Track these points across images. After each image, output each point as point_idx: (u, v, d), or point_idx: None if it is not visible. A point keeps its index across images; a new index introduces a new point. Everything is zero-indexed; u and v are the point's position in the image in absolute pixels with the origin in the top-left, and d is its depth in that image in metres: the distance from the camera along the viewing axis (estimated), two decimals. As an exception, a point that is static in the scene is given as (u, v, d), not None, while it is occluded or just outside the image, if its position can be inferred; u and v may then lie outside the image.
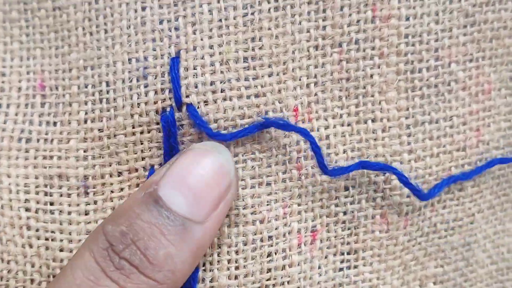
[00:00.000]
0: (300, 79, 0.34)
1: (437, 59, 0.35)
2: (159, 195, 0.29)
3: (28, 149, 0.34)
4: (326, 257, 0.36)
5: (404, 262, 0.37)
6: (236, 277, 0.34)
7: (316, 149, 0.33)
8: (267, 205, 0.34)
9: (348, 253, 0.36)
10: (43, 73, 0.35)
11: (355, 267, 0.36)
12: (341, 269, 0.36)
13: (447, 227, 0.38)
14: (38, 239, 0.34)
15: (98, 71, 0.34)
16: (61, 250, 0.34)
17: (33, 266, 0.33)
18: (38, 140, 0.34)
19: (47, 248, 0.33)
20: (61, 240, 0.34)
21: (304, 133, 0.33)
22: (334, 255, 0.36)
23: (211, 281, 0.34)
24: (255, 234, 0.34)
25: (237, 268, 0.34)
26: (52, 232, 0.34)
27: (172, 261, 0.29)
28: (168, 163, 0.31)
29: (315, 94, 0.35)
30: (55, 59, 0.35)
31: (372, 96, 0.35)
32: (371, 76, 0.35)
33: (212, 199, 0.30)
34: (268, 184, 0.35)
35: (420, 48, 0.35)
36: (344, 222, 0.35)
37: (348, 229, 0.36)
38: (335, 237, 0.36)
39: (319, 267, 0.35)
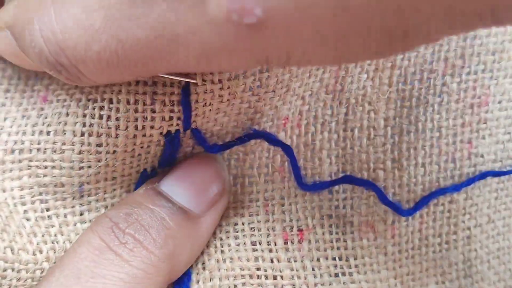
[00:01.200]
0: (297, 94, 0.35)
1: (431, 72, 0.35)
2: (160, 189, 0.31)
3: (21, 159, 0.34)
4: (318, 260, 0.36)
5: (399, 275, 0.37)
6: (224, 261, 0.35)
7: (294, 168, 0.35)
8: (249, 202, 0.36)
9: (340, 259, 0.36)
10: (48, 91, 0.35)
11: (350, 274, 0.36)
12: (336, 275, 0.36)
13: (441, 241, 0.37)
14: (46, 243, 0.33)
15: (102, 89, 0.32)
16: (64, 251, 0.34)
17: (42, 271, 0.33)
18: (31, 151, 0.33)
19: (54, 251, 0.34)
20: (64, 242, 0.34)
21: (287, 151, 0.35)
22: (326, 259, 0.36)
23: (202, 263, 0.35)
24: (236, 225, 0.35)
25: (222, 252, 0.35)
26: (55, 235, 0.34)
27: (173, 243, 0.30)
28: (168, 169, 0.33)
29: (308, 104, 0.36)
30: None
31: (362, 106, 0.36)
32: (363, 87, 0.35)
33: (211, 196, 0.33)
34: (250, 184, 0.36)
35: (414, 61, 0.35)
36: (330, 226, 0.36)
37: (336, 233, 0.36)
38: (323, 240, 0.36)
39: (313, 269, 0.35)
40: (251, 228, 0.36)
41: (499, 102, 0.37)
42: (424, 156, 0.36)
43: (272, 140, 0.35)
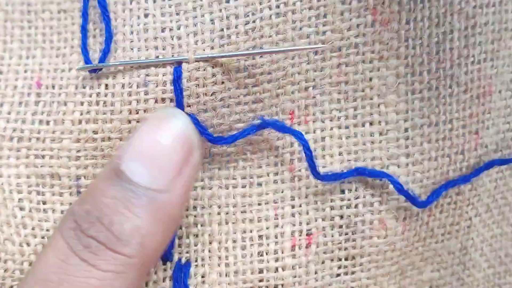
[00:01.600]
0: (298, 83, 0.34)
1: (438, 61, 0.35)
2: (121, 169, 0.29)
3: (19, 148, 0.34)
4: (323, 262, 0.35)
5: (401, 267, 0.37)
6: (226, 275, 0.34)
7: (307, 152, 0.33)
8: (258, 205, 0.34)
9: (346, 259, 0.35)
10: (41, 72, 0.34)
11: (353, 273, 0.35)
12: (338, 275, 0.35)
13: (444, 232, 0.37)
14: (35, 237, 0.33)
15: (98, 73, 0.33)
16: None
17: (30, 264, 0.33)
18: (30, 139, 0.34)
19: (43, 246, 0.33)
20: None
21: (298, 136, 0.33)
22: (332, 260, 0.35)
23: (202, 276, 0.34)
24: (244, 232, 0.34)
25: (227, 265, 0.34)
26: (47, 230, 0.33)
27: (139, 233, 0.29)
28: (130, 137, 0.31)
29: (313, 97, 0.34)
30: (55, 59, 0.35)
31: (371, 99, 0.35)
32: (370, 79, 0.34)
33: (174, 165, 0.30)
34: (259, 184, 0.35)
35: (420, 51, 0.34)
36: (341, 226, 0.35)
37: (346, 234, 0.35)
38: (332, 242, 0.35)
39: (316, 272, 0.35)
40: (260, 236, 0.34)
41: (500, 92, 0.37)
42: (437, 149, 0.35)
43: (282, 127, 0.33)
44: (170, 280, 0.34)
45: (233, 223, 0.34)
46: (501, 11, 0.35)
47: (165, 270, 0.34)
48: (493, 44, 0.36)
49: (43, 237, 0.33)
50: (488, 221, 0.39)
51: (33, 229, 0.33)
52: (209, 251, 0.34)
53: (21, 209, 0.33)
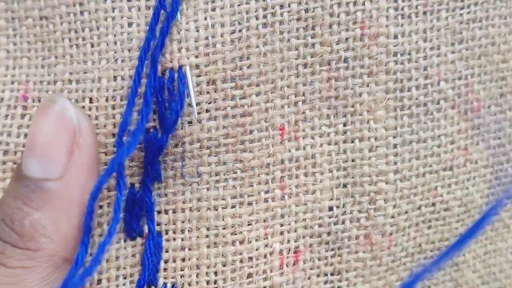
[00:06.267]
0: (288, 97, 0.34)
1: (426, 77, 0.35)
2: (21, 168, 0.30)
3: (5, 161, 0.33)
4: (309, 278, 0.35)
5: (388, 282, 0.36)
6: None
7: None
8: (248, 225, 0.34)
9: (332, 274, 0.35)
10: (28, 83, 0.34)
11: (339, 287, 0.35)
12: None
13: (433, 248, 0.37)
14: None
15: (82, 86, 0.33)
16: None
17: None
18: (15, 153, 0.33)
19: None
20: None
21: None
22: (318, 276, 0.35)
23: None
24: (235, 255, 0.34)
25: None
26: None
27: (40, 225, 0.29)
28: None
29: (303, 112, 0.34)
30: (41, 69, 0.34)
31: (361, 115, 0.34)
32: (360, 94, 0.34)
33: (61, 150, 0.30)
34: (250, 204, 0.34)
35: (409, 66, 0.34)
36: (327, 242, 0.35)
37: (332, 250, 0.35)
38: (318, 258, 0.35)
39: None
40: (250, 258, 0.34)
41: (489, 107, 0.37)
42: (425, 165, 0.35)
43: None
44: None
45: (222, 246, 0.34)
46: (488, 26, 0.35)
47: None
48: (480, 60, 0.36)
49: None
50: (480, 237, 0.38)
51: None
52: (197, 275, 0.34)
53: None
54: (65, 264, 0.30)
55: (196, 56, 0.32)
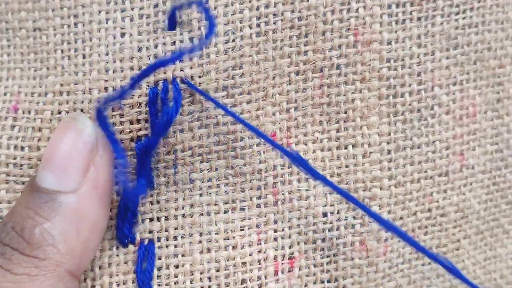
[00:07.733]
0: (279, 105, 0.34)
1: (420, 83, 0.35)
2: (35, 181, 0.31)
3: None
4: (306, 285, 0.35)
5: None
6: None
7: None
8: (241, 230, 0.34)
9: (329, 281, 0.35)
10: (19, 94, 0.34)
11: None
12: None
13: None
14: None
15: (73, 98, 0.33)
16: None
17: None
18: (7, 165, 0.33)
19: None
20: None
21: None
22: (314, 283, 0.35)
23: None
24: (228, 260, 0.34)
25: None
26: None
27: (49, 235, 0.30)
28: None
29: (295, 119, 0.34)
30: (32, 81, 0.34)
31: (354, 121, 0.34)
32: (353, 101, 0.34)
33: (78, 165, 0.31)
34: (242, 209, 0.34)
35: (402, 72, 0.34)
36: (322, 249, 0.35)
37: (327, 256, 0.35)
38: (314, 265, 0.35)
39: None
40: (243, 264, 0.34)
41: (485, 112, 0.36)
42: (420, 171, 0.35)
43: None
44: None
45: (215, 251, 0.34)
46: (484, 31, 0.35)
47: None
48: (475, 65, 0.36)
49: None
50: (479, 243, 0.38)
51: None
52: (191, 281, 0.34)
53: None
54: (69, 277, 0.30)
55: (191, 67, 0.33)
